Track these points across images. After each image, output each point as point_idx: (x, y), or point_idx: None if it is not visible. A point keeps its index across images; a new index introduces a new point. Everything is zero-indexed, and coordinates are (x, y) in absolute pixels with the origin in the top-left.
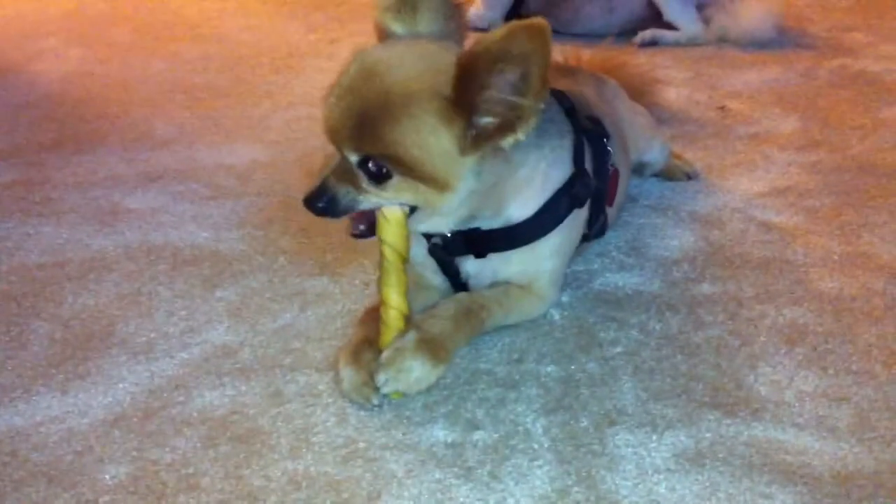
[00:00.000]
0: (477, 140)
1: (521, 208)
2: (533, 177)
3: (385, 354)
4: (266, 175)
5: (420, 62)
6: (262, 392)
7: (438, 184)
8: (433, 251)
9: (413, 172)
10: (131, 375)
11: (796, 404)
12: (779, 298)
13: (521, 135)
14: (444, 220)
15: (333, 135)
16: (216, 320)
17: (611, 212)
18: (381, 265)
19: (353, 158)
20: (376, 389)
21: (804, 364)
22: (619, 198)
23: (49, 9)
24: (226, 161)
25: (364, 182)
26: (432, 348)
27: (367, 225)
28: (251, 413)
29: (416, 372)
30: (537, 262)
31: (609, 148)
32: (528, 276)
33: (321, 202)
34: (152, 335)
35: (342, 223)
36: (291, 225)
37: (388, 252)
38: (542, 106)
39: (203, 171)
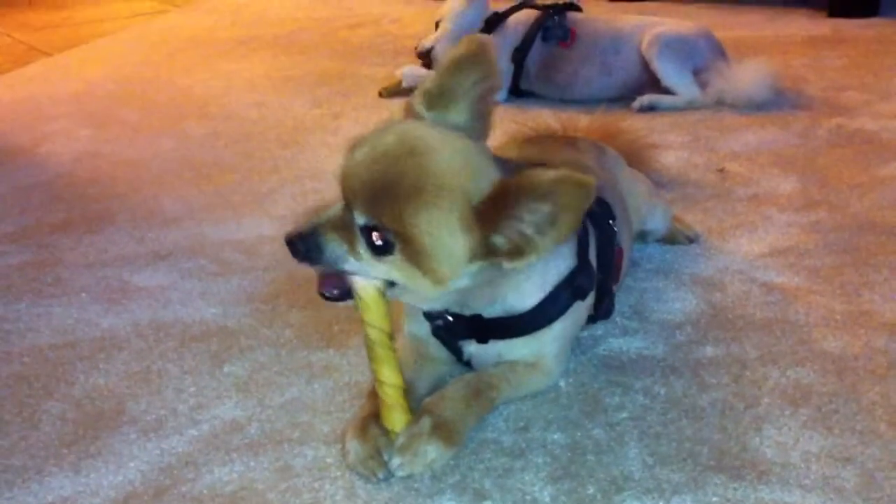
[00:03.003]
0: (484, 254)
1: (520, 300)
2: (530, 274)
3: (400, 441)
4: (273, 249)
5: (460, 158)
6: (270, 467)
7: (435, 277)
8: (436, 332)
9: (416, 258)
10: (142, 453)
11: (802, 466)
12: (782, 359)
13: (522, 265)
14: (427, 301)
15: (351, 191)
16: (225, 396)
17: (624, 268)
18: (366, 345)
19: (361, 221)
20: (382, 463)
21: (809, 425)
22: (622, 271)
23: (59, 91)
24: (233, 236)
25: (361, 246)
26: (446, 432)
27: (341, 291)
28: (260, 489)
29: (430, 455)
30: (541, 345)
31: (615, 229)
32: (533, 357)
33: (304, 246)
34: (162, 412)
35: (314, 280)
36: (298, 298)
37: (371, 332)
38: (553, 249)
39: (211, 248)
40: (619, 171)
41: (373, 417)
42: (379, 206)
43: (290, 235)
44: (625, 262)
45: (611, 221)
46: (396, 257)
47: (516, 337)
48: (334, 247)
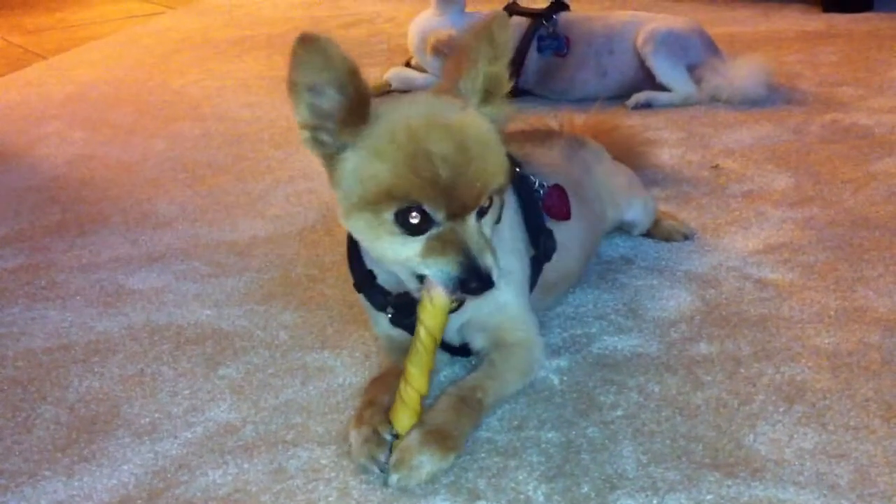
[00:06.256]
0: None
1: None
2: None
3: (393, 458)
4: (266, 250)
5: (443, 101)
6: (264, 469)
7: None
8: (394, 321)
9: (507, 178)
10: (136, 457)
11: (796, 462)
12: (776, 356)
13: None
14: None
15: (476, 193)
16: (219, 398)
17: (578, 257)
18: (413, 343)
19: (487, 203)
20: (383, 443)
21: (803, 421)
22: (587, 248)
23: (52, 93)
24: (227, 238)
25: (486, 231)
26: (439, 439)
27: None
28: (254, 491)
29: (426, 466)
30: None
31: (525, 174)
32: (493, 312)
33: (480, 277)
34: (156, 415)
35: None
36: (292, 300)
37: (423, 334)
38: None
39: (205, 249)
40: (597, 164)
41: (369, 405)
42: (494, 179)
43: (470, 280)
44: (589, 232)
45: (518, 169)
46: (495, 203)
47: None
48: (493, 261)
